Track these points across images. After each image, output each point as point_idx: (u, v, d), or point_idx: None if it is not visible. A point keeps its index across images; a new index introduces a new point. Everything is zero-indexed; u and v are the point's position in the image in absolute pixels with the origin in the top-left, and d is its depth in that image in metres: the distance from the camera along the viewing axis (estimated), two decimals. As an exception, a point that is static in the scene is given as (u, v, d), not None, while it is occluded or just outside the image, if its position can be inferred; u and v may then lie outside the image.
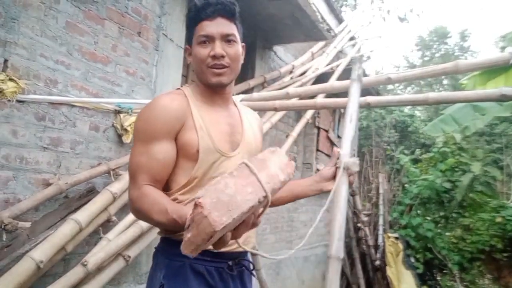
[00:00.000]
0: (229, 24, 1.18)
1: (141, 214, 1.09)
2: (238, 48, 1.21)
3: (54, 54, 2.00)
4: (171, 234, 1.14)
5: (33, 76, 1.91)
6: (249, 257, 1.30)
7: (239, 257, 1.20)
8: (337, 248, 1.35)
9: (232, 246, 1.11)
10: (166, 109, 1.13)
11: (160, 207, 1.02)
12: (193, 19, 1.20)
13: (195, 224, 0.78)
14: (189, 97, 1.19)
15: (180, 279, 1.11)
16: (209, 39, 1.16)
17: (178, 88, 1.26)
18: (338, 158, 1.35)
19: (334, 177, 1.34)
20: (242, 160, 0.89)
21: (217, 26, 1.16)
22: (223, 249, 0.91)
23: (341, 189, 1.34)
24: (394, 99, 2.40)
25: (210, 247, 0.84)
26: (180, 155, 1.14)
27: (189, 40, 1.25)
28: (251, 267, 1.27)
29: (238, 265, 1.20)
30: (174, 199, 1.13)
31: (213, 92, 1.22)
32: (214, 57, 1.15)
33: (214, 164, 1.15)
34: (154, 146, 1.10)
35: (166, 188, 1.18)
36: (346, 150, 1.41)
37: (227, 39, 1.17)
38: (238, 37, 1.21)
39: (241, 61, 1.25)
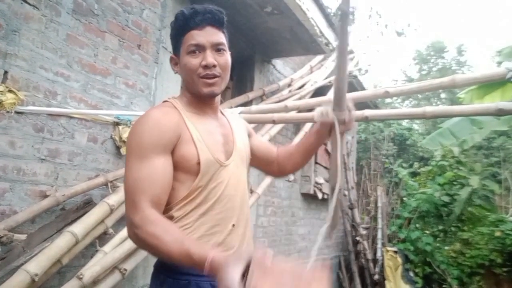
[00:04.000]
0: (218, 33, 1.16)
1: (145, 242, 0.97)
2: (228, 57, 1.19)
3: (54, 66, 2.01)
4: None
5: (32, 87, 1.91)
6: None
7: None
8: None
9: None
10: (161, 123, 1.08)
11: (175, 236, 0.94)
12: (181, 28, 1.16)
13: None
14: (180, 109, 1.16)
15: None
16: (199, 49, 1.14)
17: (166, 101, 1.22)
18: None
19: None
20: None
21: (206, 35, 1.14)
22: None
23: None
24: (392, 112, 2.41)
25: None
26: (178, 169, 1.10)
27: (174, 49, 1.21)
28: None
29: None
30: (170, 217, 1.10)
31: (202, 102, 1.20)
32: (206, 67, 1.13)
33: (214, 175, 1.13)
34: (151, 161, 1.04)
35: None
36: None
37: (217, 48, 1.15)
38: (226, 45, 1.20)
39: (230, 69, 1.23)
